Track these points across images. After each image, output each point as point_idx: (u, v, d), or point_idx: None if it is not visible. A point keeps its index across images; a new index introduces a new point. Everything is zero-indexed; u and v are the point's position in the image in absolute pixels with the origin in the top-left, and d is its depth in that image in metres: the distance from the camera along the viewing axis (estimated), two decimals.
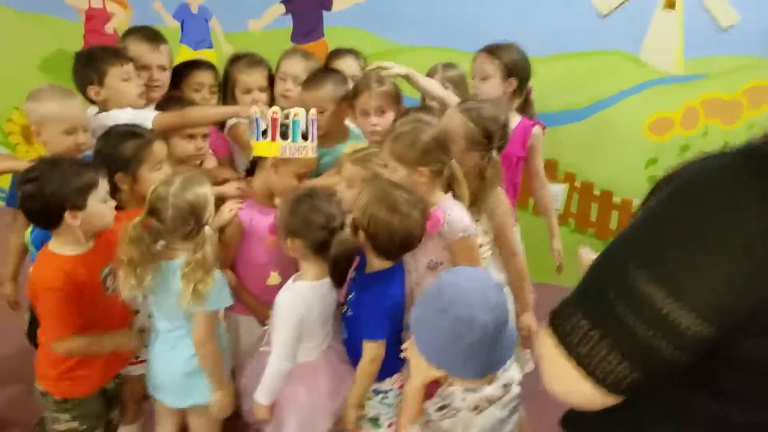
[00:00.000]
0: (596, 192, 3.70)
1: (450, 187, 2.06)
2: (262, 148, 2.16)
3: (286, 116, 2.13)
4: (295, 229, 1.93)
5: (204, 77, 2.71)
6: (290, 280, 2.01)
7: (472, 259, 2.00)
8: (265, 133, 2.15)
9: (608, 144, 3.58)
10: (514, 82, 2.53)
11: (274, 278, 2.20)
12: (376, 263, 1.96)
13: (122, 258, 1.86)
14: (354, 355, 1.99)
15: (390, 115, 2.40)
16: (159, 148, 2.16)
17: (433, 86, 2.52)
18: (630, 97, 3.48)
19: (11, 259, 2.43)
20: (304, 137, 2.16)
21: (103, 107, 2.43)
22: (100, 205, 1.91)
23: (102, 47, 2.54)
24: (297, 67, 2.71)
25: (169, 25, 3.93)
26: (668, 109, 3.46)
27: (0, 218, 2.56)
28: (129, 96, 2.42)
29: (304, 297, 1.94)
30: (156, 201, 1.88)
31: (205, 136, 2.44)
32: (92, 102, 2.45)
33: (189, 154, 2.39)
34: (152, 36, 2.63)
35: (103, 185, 1.92)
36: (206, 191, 1.93)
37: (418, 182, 1.98)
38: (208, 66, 2.77)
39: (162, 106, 2.48)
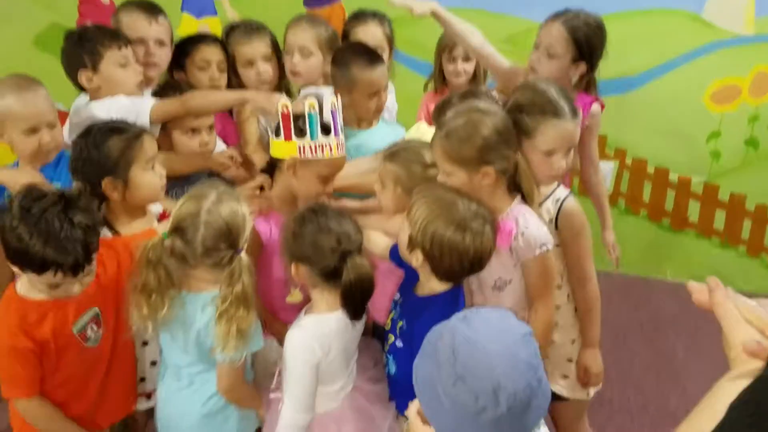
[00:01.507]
0: (650, 170, 3.37)
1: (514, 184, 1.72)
2: (279, 148, 1.86)
3: (299, 111, 1.81)
4: (300, 254, 1.64)
5: (211, 53, 2.37)
6: (301, 313, 1.72)
7: (548, 282, 1.70)
8: (277, 130, 1.84)
9: (664, 116, 3.23)
10: (582, 67, 2.16)
11: (295, 295, 1.88)
12: (436, 285, 1.64)
13: (135, 283, 1.60)
14: (404, 393, 1.67)
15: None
16: (149, 143, 1.83)
17: (472, 33, 2.15)
18: (690, 62, 3.13)
19: None
20: (326, 131, 1.83)
21: (95, 96, 2.11)
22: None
23: (97, 26, 2.22)
24: (303, 36, 2.36)
25: None
26: (735, 74, 3.11)
27: None
28: (126, 84, 2.11)
29: (318, 335, 1.63)
30: (183, 218, 1.60)
31: (210, 128, 2.13)
32: (82, 89, 2.14)
33: (192, 150, 2.10)
34: (149, 7, 2.31)
35: None
36: (244, 210, 1.64)
37: (481, 186, 1.63)
38: (215, 40, 2.43)
39: (160, 93, 2.16)
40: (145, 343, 1.88)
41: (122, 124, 1.82)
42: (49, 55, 3.86)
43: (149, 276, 1.60)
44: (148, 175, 1.80)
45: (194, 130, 2.09)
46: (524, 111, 1.71)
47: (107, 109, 2.02)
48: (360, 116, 2.17)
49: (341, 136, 1.86)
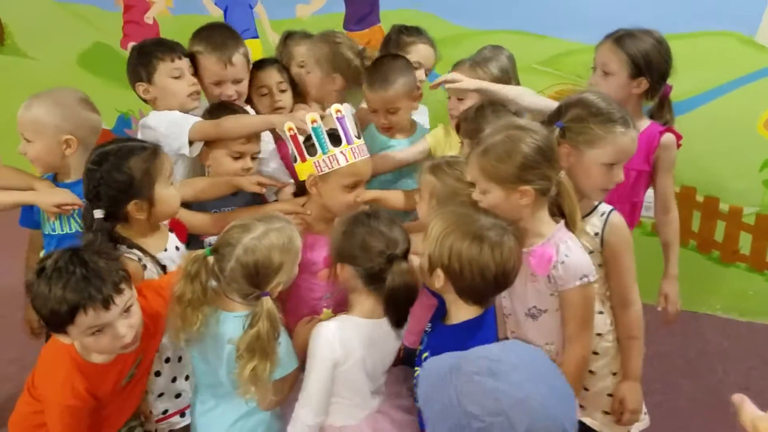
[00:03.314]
0: (699, 198, 3.20)
1: (557, 208, 1.63)
2: (302, 171, 1.91)
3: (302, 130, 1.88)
4: (348, 254, 1.65)
5: (267, 77, 2.41)
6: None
7: (587, 317, 1.62)
8: (293, 156, 1.89)
9: (714, 142, 3.07)
10: (644, 83, 2.07)
11: (326, 315, 1.83)
12: (461, 311, 1.57)
13: (175, 293, 1.61)
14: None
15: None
16: (166, 157, 1.83)
17: (523, 95, 2.07)
18: (742, 86, 2.96)
19: None
20: (336, 141, 1.83)
21: (154, 107, 2.22)
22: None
23: (155, 40, 2.32)
24: (299, 51, 2.46)
25: (212, 13, 3.69)
26: None
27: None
28: (179, 95, 2.19)
29: (342, 336, 1.61)
30: (225, 244, 1.61)
31: (255, 154, 2.13)
32: (145, 101, 2.25)
33: (234, 173, 2.09)
34: (222, 47, 2.27)
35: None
36: (282, 259, 1.61)
37: (519, 205, 1.55)
38: (271, 63, 2.47)
39: (210, 113, 2.18)
40: (157, 374, 1.88)
41: (134, 144, 1.81)
42: (92, 74, 3.93)
43: (186, 288, 1.59)
44: (171, 190, 1.80)
45: (240, 156, 2.08)
46: (588, 121, 1.63)
47: (159, 119, 2.09)
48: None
49: (356, 142, 1.84)
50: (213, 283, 1.65)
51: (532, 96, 2.09)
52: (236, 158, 2.08)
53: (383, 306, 1.63)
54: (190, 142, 2.04)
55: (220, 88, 2.26)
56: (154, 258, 1.79)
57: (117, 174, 1.73)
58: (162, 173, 1.77)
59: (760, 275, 3.20)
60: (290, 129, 1.85)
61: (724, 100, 2.99)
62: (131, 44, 2.28)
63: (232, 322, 1.62)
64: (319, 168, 1.85)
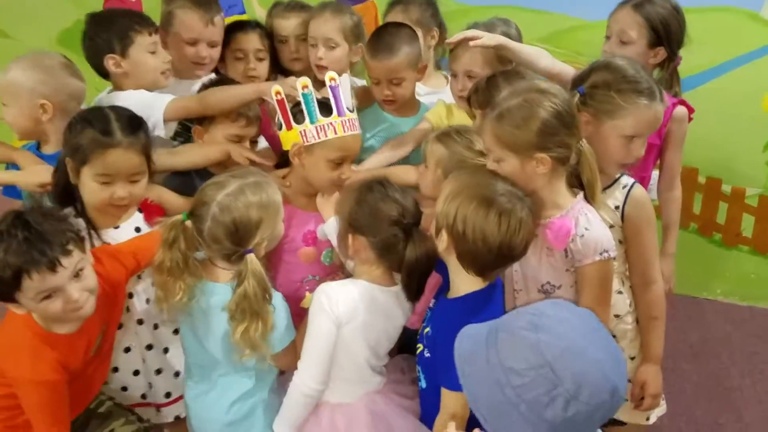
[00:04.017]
0: (701, 179, 3.12)
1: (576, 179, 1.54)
2: (286, 140, 1.79)
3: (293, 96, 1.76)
4: (360, 224, 1.56)
5: (247, 42, 2.28)
6: None
7: (605, 295, 1.54)
8: (279, 123, 1.78)
9: (718, 122, 2.98)
10: (661, 52, 1.99)
11: (310, 300, 1.73)
12: (464, 283, 1.48)
13: (155, 262, 1.58)
14: (434, 413, 1.50)
15: (338, 51, 2.18)
16: (114, 159, 1.69)
17: (540, 56, 1.97)
18: (747, 64, 2.89)
19: None
20: (327, 111, 1.73)
21: (119, 83, 2.05)
22: None
23: (124, 10, 2.24)
24: (327, 27, 2.24)
25: None
26: None
27: None
28: (154, 71, 2.05)
29: (346, 295, 1.54)
30: (200, 204, 1.57)
31: (255, 137, 2.05)
32: (103, 76, 2.06)
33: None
34: (206, 4, 2.19)
35: None
36: (261, 215, 1.55)
37: (536, 174, 1.46)
38: (254, 27, 2.34)
39: (206, 87, 2.06)
40: (127, 350, 1.82)
41: (110, 123, 1.70)
42: (73, 53, 3.79)
43: (165, 256, 1.55)
44: (95, 185, 1.69)
45: (239, 140, 1.99)
46: (610, 89, 1.54)
47: (127, 100, 1.94)
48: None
49: (348, 114, 1.74)
50: (201, 254, 1.59)
51: (549, 58, 1.99)
52: (234, 142, 1.99)
53: (403, 278, 1.56)
54: (165, 122, 1.95)
55: (195, 48, 2.16)
56: (97, 232, 1.74)
57: (71, 132, 1.69)
58: (95, 164, 1.67)
59: (763, 258, 3.13)
60: (278, 93, 1.74)
61: (728, 77, 2.92)
62: (87, 13, 2.12)
63: (220, 291, 1.57)
64: (305, 137, 1.74)
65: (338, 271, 1.88)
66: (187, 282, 1.56)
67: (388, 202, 1.54)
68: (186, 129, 2.12)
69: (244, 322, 1.49)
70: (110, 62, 2.01)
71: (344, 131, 1.75)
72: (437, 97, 2.25)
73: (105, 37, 2.01)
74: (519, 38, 2.27)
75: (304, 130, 1.73)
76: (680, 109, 2.03)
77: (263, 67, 2.29)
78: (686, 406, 2.54)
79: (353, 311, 1.54)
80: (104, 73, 2.05)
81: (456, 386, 1.40)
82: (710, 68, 2.91)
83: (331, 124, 1.73)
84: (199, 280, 1.59)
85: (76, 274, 1.45)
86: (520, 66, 2.00)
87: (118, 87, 2.05)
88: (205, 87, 2.05)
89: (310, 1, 2.43)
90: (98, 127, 1.66)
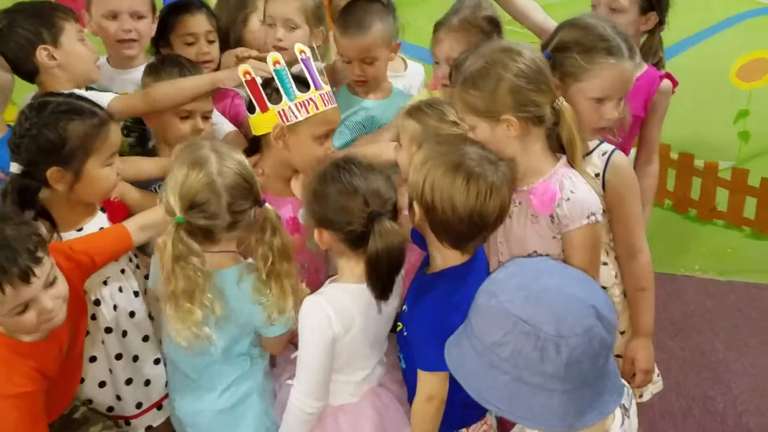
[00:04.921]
0: (673, 155, 3.10)
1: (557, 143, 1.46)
2: (259, 123, 1.67)
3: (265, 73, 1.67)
4: (324, 218, 1.44)
5: (196, 24, 2.12)
6: (326, 283, 1.52)
7: (595, 260, 1.48)
8: (250, 106, 1.66)
9: (687, 95, 2.90)
10: (653, 18, 1.93)
11: (306, 293, 1.63)
12: (442, 258, 1.40)
13: (168, 292, 1.42)
14: (414, 394, 1.42)
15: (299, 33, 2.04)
16: (115, 133, 1.62)
17: (534, 9, 1.93)
18: (717, 33, 2.87)
19: None
20: (303, 86, 1.63)
21: (49, 81, 1.85)
22: None
23: (40, 1, 1.95)
24: (287, 8, 2.11)
25: None
26: (765, 47, 2.85)
27: None
28: (88, 62, 1.90)
29: (338, 306, 1.42)
30: (197, 192, 1.42)
31: (207, 113, 1.91)
32: (26, 76, 1.87)
33: (182, 137, 1.84)
34: None
35: None
36: (243, 157, 1.50)
37: (508, 138, 1.38)
38: (199, 7, 2.17)
39: (157, 69, 1.90)
40: (93, 359, 1.70)
41: (86, 104, 1.58)
42: None
43: (179, 277, 1.41)
44: (105, 171, 1.57)
45: (188, 114, 1.84)
46: (572, 50, 1.46)
47: None
48: None
49: (325, 87, 1.64)
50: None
51: (542, 13, 1.93)
52: (184, 118, 1.85)
53: (366, 274, 1.42)
54: None
55: (117, 22, 2.00)
56: (59, 235, 1.59)
57: (48, 130, 1.51)
58: (101, 149, 1.56)
59: (738, 231, 3.12)
60: (246, 73, 1.63)
61: (696, 49, 2.90)
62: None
63: (232, 275, 1.50)
64: (284, 117, 1.63)
65: (326, 259, 1.80)
66: (206, 292, 1.43)
67: (348, 192, 1.41)
68: (138, 122, 1.99)
69: (282, 266, 1.46)
70: (43, 54, 1.82)
71: (325, 105, 1.66)
72: (396, 81, 2.17)
73: (30, 28, 1.82)
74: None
75: (283, 110, 1.62)
76: (666, 83, 1.99)
77: (215, 50, 2.15)
78: (675, 382, 2.50)
79: (349, 322, 1.44)
80: (28, 72, 1.86)
81: (430, 366, 1.35)
82: (678, 42, 2.88)
83: (311, 99, 1.63)
84: (211, 274, 1.46)
85: (51, 282, 1.31)
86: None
87: (47, 85, 1.86)
88: (150, 69, 1.91)
89: None
90: (90, 120, 1.54)
